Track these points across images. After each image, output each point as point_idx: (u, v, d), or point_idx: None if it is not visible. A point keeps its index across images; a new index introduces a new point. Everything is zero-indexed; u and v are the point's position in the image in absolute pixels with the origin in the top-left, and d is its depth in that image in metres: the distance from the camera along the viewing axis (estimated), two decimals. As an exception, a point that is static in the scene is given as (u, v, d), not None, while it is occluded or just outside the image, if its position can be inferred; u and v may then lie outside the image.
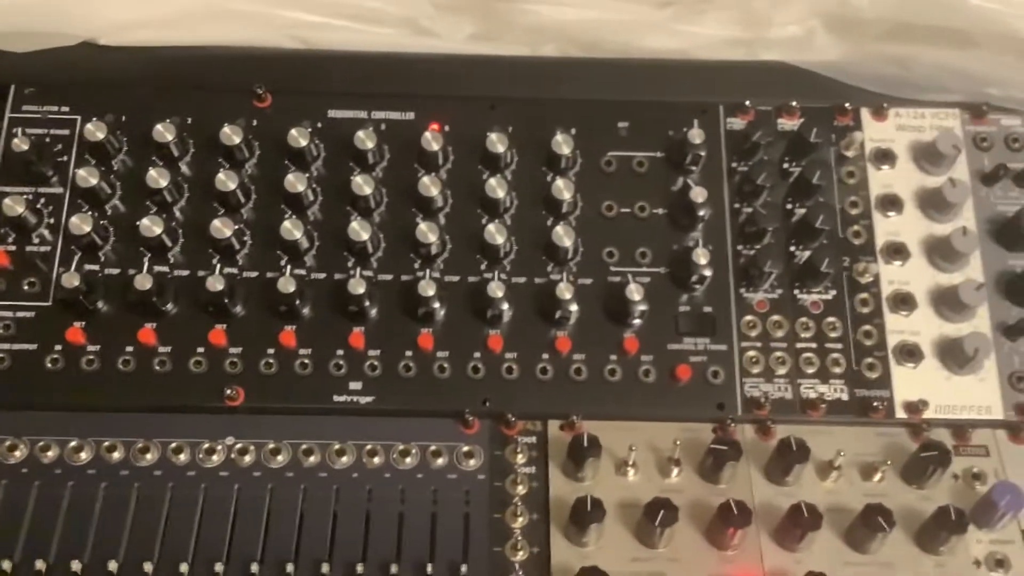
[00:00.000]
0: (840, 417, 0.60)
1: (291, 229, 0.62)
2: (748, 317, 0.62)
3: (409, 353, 0.61)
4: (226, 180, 0.62)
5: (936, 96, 0.68)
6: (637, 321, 0.62)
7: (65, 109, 0.66)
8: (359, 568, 0.55)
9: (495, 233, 0.62)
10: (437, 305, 0.61)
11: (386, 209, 0.64)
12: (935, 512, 0.56)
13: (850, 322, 0.62)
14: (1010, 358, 0.62)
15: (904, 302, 0.63)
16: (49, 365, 0.60)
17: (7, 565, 0.55)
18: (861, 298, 0.63)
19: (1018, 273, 0.63)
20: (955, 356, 0.61)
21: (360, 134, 0.64)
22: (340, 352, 0.61)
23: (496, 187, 0.63)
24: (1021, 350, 0.62)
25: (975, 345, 0.60)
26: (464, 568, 0.55)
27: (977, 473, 0.59)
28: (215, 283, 0.60)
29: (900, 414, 0.60)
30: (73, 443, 0.58)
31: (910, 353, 0.62)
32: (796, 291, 0.63)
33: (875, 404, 0.60)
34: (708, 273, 0.62)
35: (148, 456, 0.58)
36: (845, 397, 0.61)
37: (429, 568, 0.55)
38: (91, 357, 0.60)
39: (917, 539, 0.57)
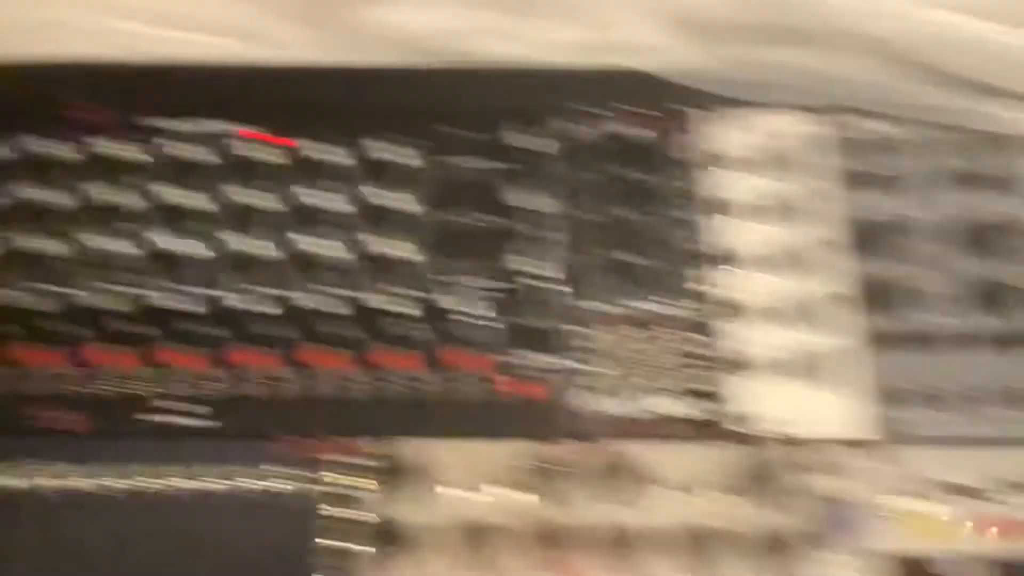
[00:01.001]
0: (677, 432, 0.57)
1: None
2: (584, 329, 0.60)
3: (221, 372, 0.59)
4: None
5: (791, 99, 0.65)
6: (469, 334, 0.60)
7: None
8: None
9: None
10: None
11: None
12: (771, 532, 0.54)
13: (685, 332, 0.60)
14: (855, 372, 0.59)
15: (742, 312, 0.60)
16: None
17: None
18: (696, 308, 0.60)
19: (872, 282, 0.61)
20: (797, 369, 0.58)
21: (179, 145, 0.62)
22: (151, 371, 0.58)
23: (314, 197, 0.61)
24: (868, 363, 0.59)
25: (819, 357, 0.58)
26: (281, 598, 0.53)
27: (817, 491, 0.56)
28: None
29: (738, 428, 0.58)
30: None
31: (747, 365, 0.59)
32: (632, 301, 0.60)
33: (711, 419, 0.57)
34: (544, 284, 0.60)
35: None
36: (682, 412, 0.58)
37: (243, 598, 0.53)
38: None
39: (754, 557, 0.54)
